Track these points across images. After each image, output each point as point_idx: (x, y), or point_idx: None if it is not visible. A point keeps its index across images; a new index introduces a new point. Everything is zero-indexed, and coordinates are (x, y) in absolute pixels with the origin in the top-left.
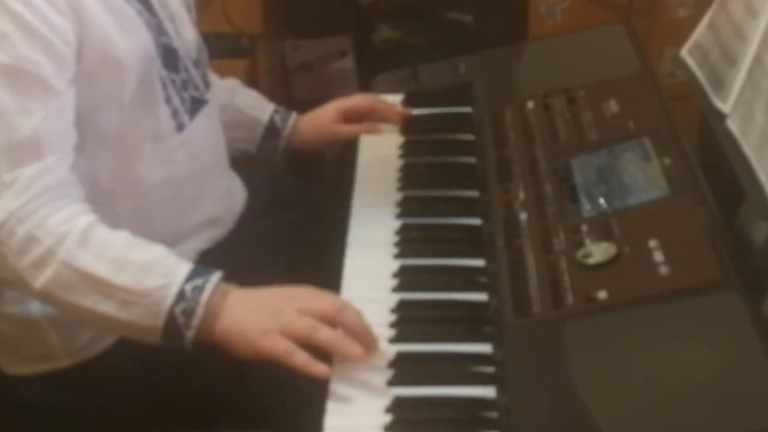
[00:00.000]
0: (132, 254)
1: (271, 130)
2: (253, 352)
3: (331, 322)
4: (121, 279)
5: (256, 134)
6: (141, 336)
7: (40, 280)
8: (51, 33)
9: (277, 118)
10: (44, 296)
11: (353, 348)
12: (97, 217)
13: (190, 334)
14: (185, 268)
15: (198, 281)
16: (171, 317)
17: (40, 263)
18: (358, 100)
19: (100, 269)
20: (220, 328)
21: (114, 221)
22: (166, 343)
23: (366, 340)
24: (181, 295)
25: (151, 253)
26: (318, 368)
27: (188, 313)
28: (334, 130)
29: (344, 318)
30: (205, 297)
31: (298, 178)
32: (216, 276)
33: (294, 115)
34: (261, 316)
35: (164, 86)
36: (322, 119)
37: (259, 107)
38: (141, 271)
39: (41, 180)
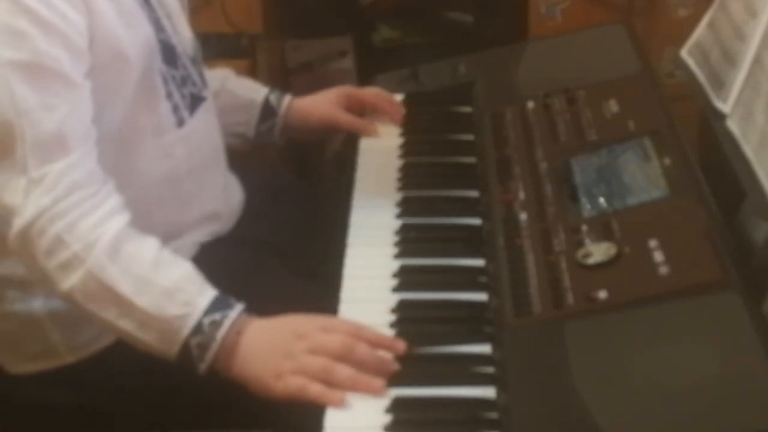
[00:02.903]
0: (157, 275)
1: (267, 110)
2: (267, 395)
3: (345, 359)
4: (143, 301)
5: (252, 116)
6: (155, 355)
7: (65, 284)
8: (66, 26)
9: (272, 98)
10: (68, 300)
11: (372, 383)
12: (127, 219)
13: (203, 366)
14: (207, 297)
15: (217, 315)
16: (186, 348)
17: (67, 267)
18: (365, 91)
19: (124, 287)
20: (234, 370)
21: None
22: (179, 365)
23: (380, 370)
24: (198, 328)
25: (177, 275)
26: (335, 396)
27: (203, 347)
28: (333, 114)
29: (357, 356)
30: (221, 333)
31: (297, 175)
32: (235, 312)
33: (289, 97)
34: (273, 359)
35: (165, 81)
36: (323, 100)
37: (252, 89)
38: (162, 296)
39: (69, 175)
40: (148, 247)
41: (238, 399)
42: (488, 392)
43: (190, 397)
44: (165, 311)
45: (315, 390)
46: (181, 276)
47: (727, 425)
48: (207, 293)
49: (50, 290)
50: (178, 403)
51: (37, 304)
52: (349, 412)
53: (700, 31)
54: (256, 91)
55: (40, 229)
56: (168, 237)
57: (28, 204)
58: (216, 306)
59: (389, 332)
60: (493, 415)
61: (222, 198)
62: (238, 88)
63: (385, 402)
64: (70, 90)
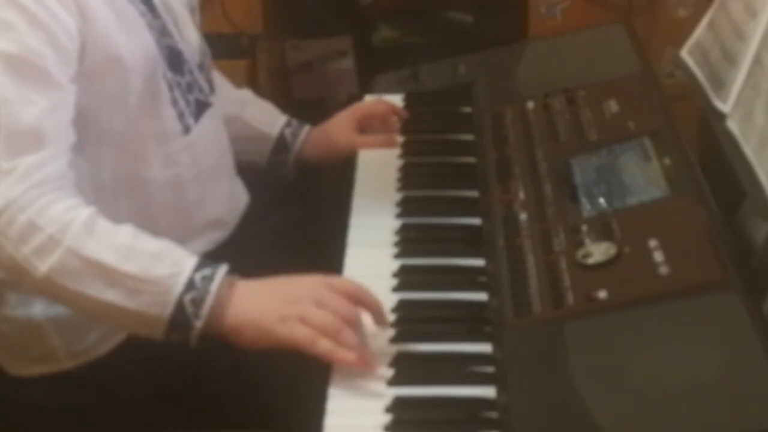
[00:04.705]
0: (139, 243)
1: (281, 145)
2: (268, 340)
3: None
4: (129, 266)
5: (265, 149)
6: (145, 328)
7: (42, 268)
8: (56, 26)
9: (287, 132)
10: (46, 286)
11: (371, 359)
12: (97, 210)
13: (198, 324)
14: (193, 258)
15: (207, 271)
16: (179, 306)
17: (42, 251)
18: (373, 106)
19: (108, 256)
20: (230, 318)
21: (116, 221)
22: (170, 337)
23: (380, 314)
24: (190, 284)
25: (158, 243)
26: (346, 354)
27: (197, 303)
28: (354, 143)
29: (364, 299)
30: (215, 286)
31: (298, 176)
32: (224, 267)
33: (306, 129)
34: (275, 303)
35: (170, 88)
36: (336, 131)
37: (268, 122)
38: (149, 259)
39: (40, 170)
40: (123, 225)
41: (238, 399)
42: (488, 392)
43: (191, 399)
44: (154, 272)
45: (324, 345)
46: (163, 243)
47: (727, 425)
48: (192, 255)
49: (19, 283)
50: (177, 404)
51: (38, 310)
52: (349, 412)
53: (700, 31)
54: (271, 125)
55: (9, 218)
56: None
57: None
58: (204, 263)
59: (389, 332)
60: (493, 414)
61: (228, 204)
62: (253, 119)
63: (385, 402)
64: (52, 89)
